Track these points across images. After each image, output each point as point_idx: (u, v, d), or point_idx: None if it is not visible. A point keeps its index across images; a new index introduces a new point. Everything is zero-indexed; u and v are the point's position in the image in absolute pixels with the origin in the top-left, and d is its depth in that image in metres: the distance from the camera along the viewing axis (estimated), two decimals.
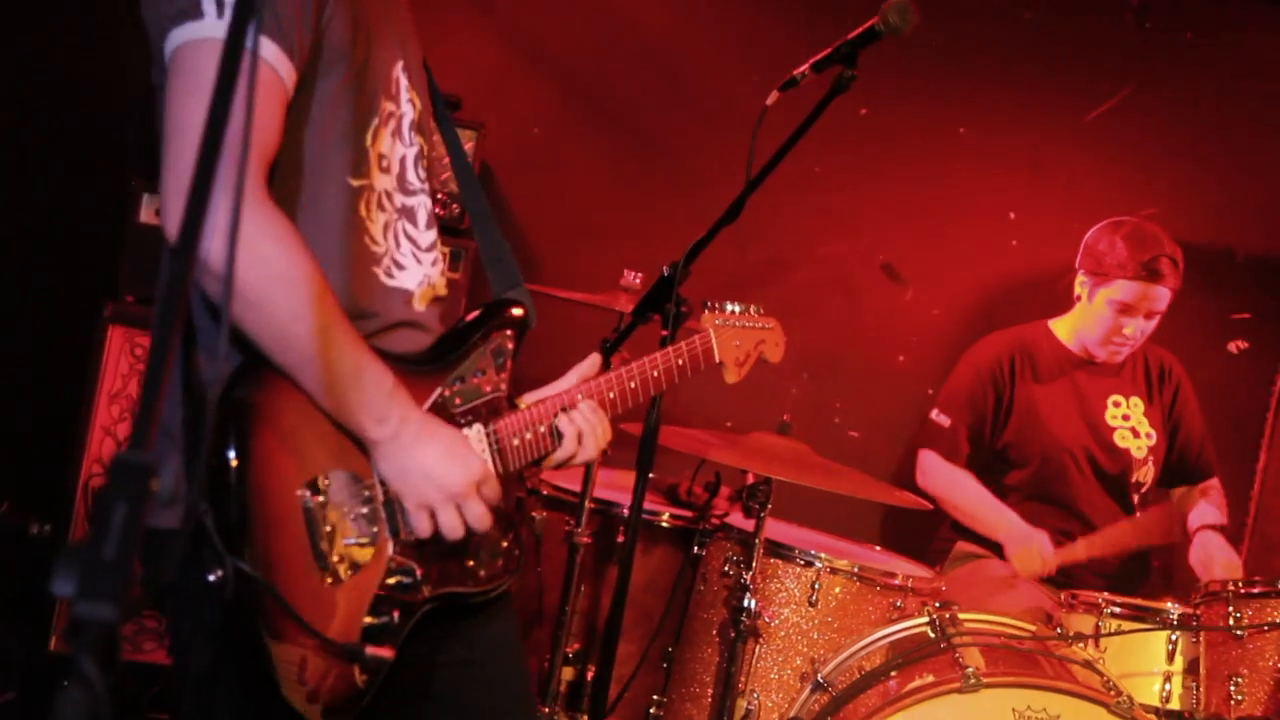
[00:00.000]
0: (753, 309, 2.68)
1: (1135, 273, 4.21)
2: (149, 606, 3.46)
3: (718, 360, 2.58)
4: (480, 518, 1.98)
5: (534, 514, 3.93)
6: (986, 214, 5.33)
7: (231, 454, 1.72)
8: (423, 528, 1.93)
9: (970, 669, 2.94)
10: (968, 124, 5.30)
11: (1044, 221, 5.27)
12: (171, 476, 1.80)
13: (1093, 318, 4.37)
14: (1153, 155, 5.33)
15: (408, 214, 2.08)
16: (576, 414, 2.19)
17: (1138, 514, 4.38)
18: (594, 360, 2.33)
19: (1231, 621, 3.31)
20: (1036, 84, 5.29)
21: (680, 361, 2.45)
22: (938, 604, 3.43)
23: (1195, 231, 5.19)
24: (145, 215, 4.02)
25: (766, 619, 3.44)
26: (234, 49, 1.12)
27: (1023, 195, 5.33)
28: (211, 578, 1.64)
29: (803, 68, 2.82)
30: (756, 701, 3.46)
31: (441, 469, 1.91)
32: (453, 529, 1.95)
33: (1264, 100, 5.27)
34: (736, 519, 3.70)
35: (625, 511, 3.77)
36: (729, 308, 2.63)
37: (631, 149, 5.18)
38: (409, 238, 2.07)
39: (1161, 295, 4.24)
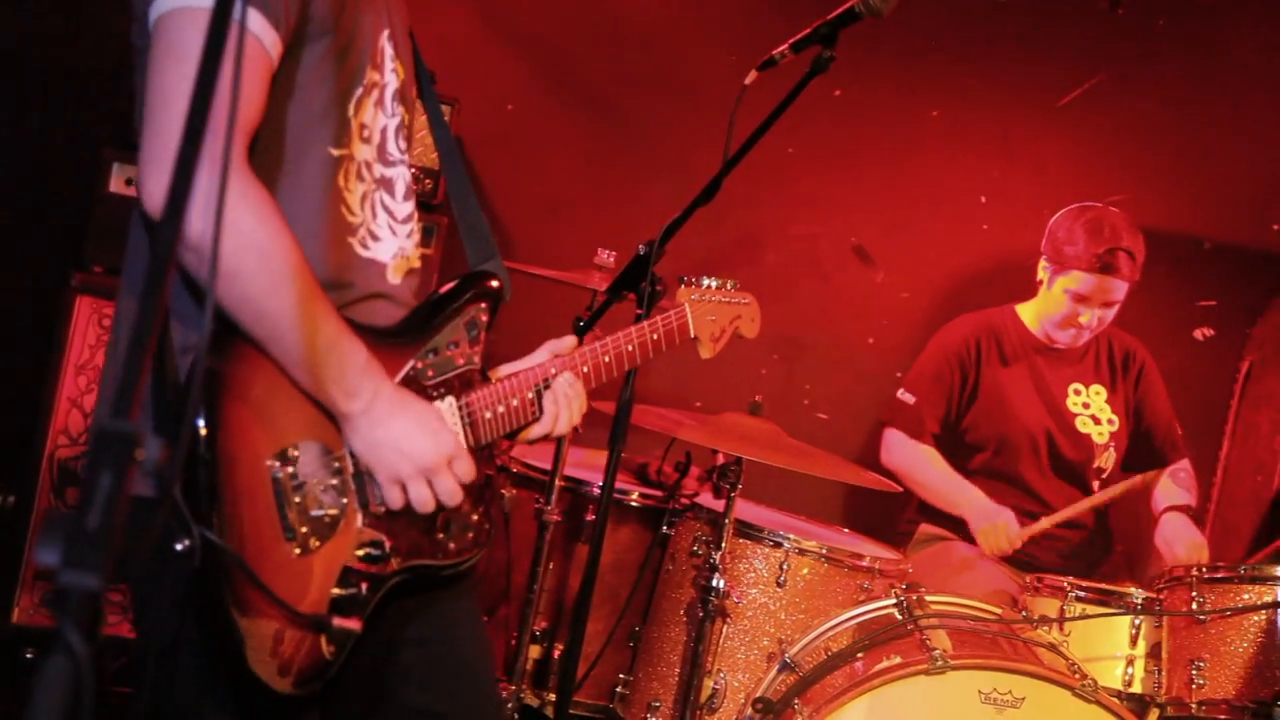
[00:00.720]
0: (729, 284, 2.68)
1: (1090, 264, 4.22)
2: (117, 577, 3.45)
3: (693, 335, 2.57)
4: (451, 492, 1.98)
5: (503, 491, 3.93)
6: (957, 197, 5.35)
7: (200, 422, 1.70)
8: (394, 500, 1.93)
9: (937, 651, 2.96)
10: (940, 107, 5.31)
11: (1014, 206, 5.29)
12: (158, 446, 1.79)
13: (1051, 304, 4.40)
14: (1123, 141, 5.35)
15: (386, 185, 2.07)
16: (555, 387, 2.18)
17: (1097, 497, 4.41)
18: (570, 341, 2.32)
19: (1194, 606, 3.34)
20: (1009, 69, 5.31)
21: (655, 336, 2.44)
22: (904, 586, 3.45)
23: (1163, 218, 5.23)
24: (115, 185, 3.97)
25: (734, 599, 3.45)
26: (220, 20, 1.11)
27: (994, 179, 5.35)
28: (179, 546, 1.62)
29: (781, 48, 2.82)
30: (723, 681, 3.47)
31: (413, 443, 1.90)
32: (423, 502, 1.94)
33: (1234, 88, 5.30)
34: (706, 499, 3.71)
35: (595, 490, 3.79)
36: (705, 283, 2.63)
37: (607, 126, 5.16)
38: (386, 209, 2.06)
39: (1117, 287, 4.26)
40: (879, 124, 5.29)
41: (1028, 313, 4.53)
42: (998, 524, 4.14)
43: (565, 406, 2.19)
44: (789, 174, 5.18)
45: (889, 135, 5.32)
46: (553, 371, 2.20)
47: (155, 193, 1.68)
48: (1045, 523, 4.20)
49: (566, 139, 5.11)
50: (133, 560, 1.62)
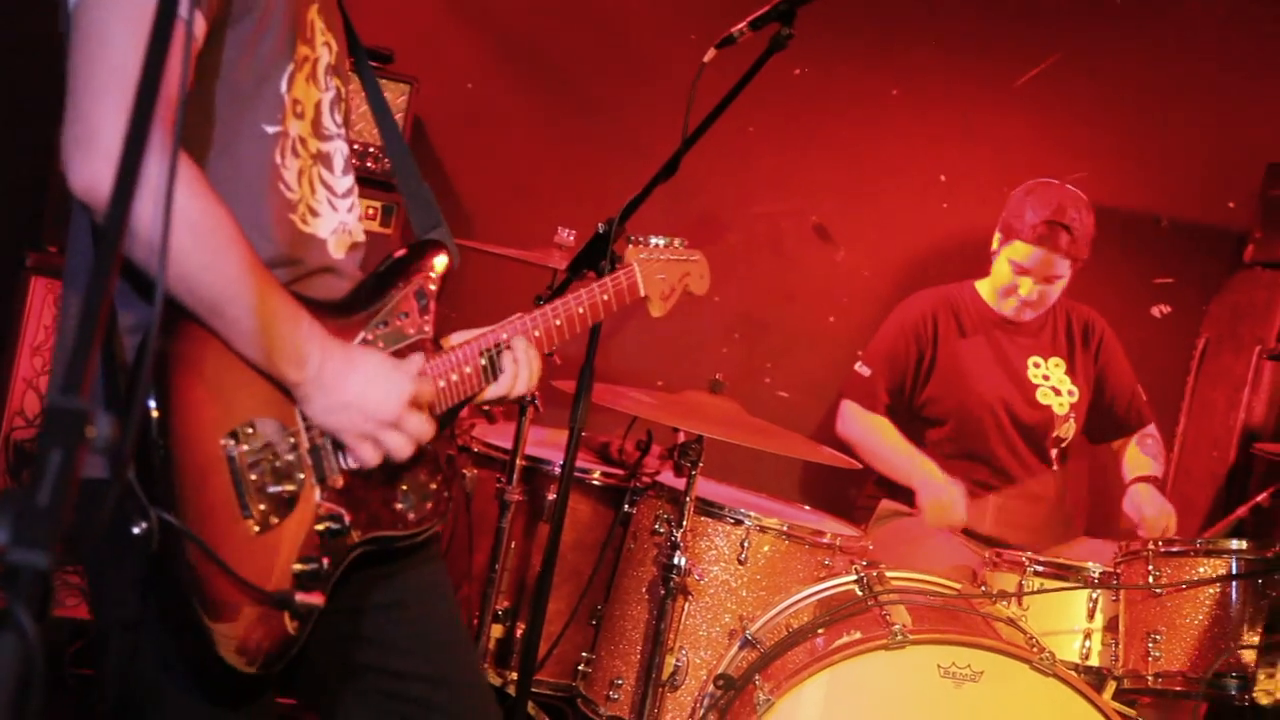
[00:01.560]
0: (677, 242, 2.66)
1: (1030, 236, 4.25)
2: (71, 560, 3.42)
3: (642, 294, 2.56)
4: (425, 431, 1.96)
5: (465, 471, 3.92)
6: (918, 176, 5.37)
7: (152, 404, 1.68)
8: (370, 458, 1.91)
9: (897, 626, 2.98)
10: (900, 86, 5.32)
11: (974, 184, 5.31)
12: (109, 425, 1.77)
13: (997, 274, 4.44)
14: (1081, 120, 5.38)
15: (323, 160, 2.04)
16: (508, 350, 2.17)
17: (1045, 488, 4.43)
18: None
19: (1151, 580, 3.37)
20: (968, 47, 5.32)
21: (605, 297, 2.43)
22: (865, 562, 3.47)
23: (1120, 196, 5.27)
24: None
25: (696, 576, 3.46)
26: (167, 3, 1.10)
27: (954, 158, 5.37)
28: (136, 530, 1.61)
29: (740, 25, 2.81)
30: (685, 658, 3.48)
31: (371, 397, 1.89)
32: (400, 450, 1.92)
33: (1191, 65, 5.33)
34: (667, 477, 3.72)
35: (556, 469, 3.79)
36: (653, 241, 2.61)
37: (566, 105, 5.15)
38: (325, 184, 2.04)
39: (1057, 262, 4.28)
40: (839, 103, 5.30)
41: (985, 288, 4.56)
42: (943, 499, 4.15)
43: (523, 367, 2.18)
44: (750, 153, 5.19)
45: (849, 114, 5.33)
46: (504, 336, 2.19)
47: (82, 174, 1.64)
48: (988, 527, 4.23)
49: (527, 118, 5.10)
50: (86, 541, 1.63)
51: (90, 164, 1.63)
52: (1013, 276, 4.36)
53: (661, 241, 2.63)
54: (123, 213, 1.08)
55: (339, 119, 2.08)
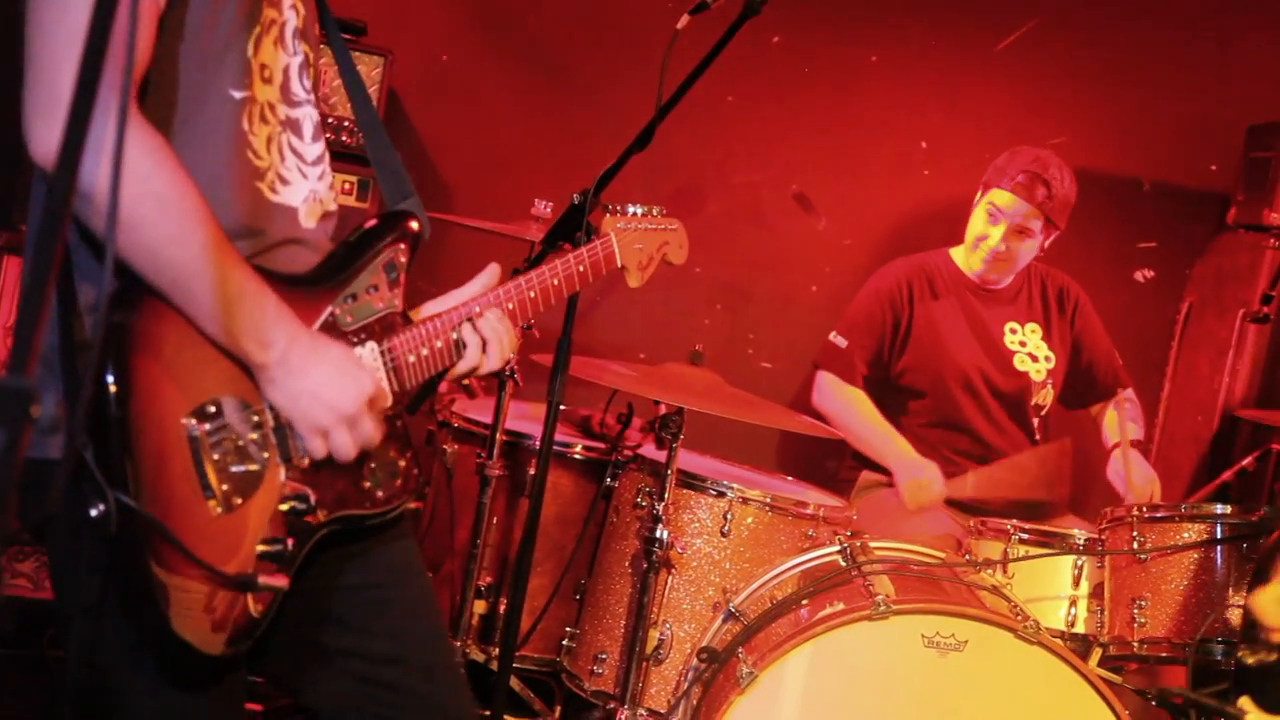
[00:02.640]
0: (655, 210, 2.62)
1: (1009, 185, 4.24)
2: (28, 540, 3.37)
3: (619, 264, 2.52)
4: (373, 437, 1.92)
5: (445, 446, 3.89)
6: (898, 143, 5.33)
7: (110, 381, 1.63)
8: (317, 450, 1.88)
9: (880, 596, 2.96)
10: (879, 52, 5.29)
11: (955, 150, 5.28)
12: (53, 403, 1.73)
13: (972, 225, 4.42)
14: (1061, 84, 5.35)
15: (292, 126, 1.98)
16: (481, 322, 2.13)
17: (1027, 458, 4.40)
18: (493, 269, 2.26)
19: (1136, 545, 3.36)
20: (948, 13, 5.28)
21: (581, 267, 2.38)
22: (848, 533, 3.45)
23: (1102, 160, 5.25)
24: None
25: (679, 549, 3.44)
26: None
27: (934, 124, 5.34)
28: (94, 512, 1.57)
29: None
30: (669, 632, 3.47)
31: (332, 390, 1.84)
32: (345, 450, 1.88)
33: (1171, 28, 5.31)
34: (649, 450, 3.70)
35: (537, 444, 3.75)
36: (630, 210, 2.57)
37: (542, 76, 5.10)
38: (294, 151, 1.98)
39: (1029, 213, 4.25)
40: (818, 70, 5.26)
41: (960, 254, 4.53)
42: (921, 479, 4.14)
43: (495, 341, 2.14)
44: (729, 122, 5.15)
45: (828, 81, 5.29)
46: (477, 310, 2.15)
47: (43, 141, 1.61)
48: (969, 491, 4.20)
49: (502, 89, 5.05)
50: (32, 522, 1.59)
51: (50, 130, 1.59)
52: (985, 224, 4.34)
53: (639, 210, 2.58)
54: (69, 181, 1.04)
55: (308, 84, 2.03)
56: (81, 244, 1.73)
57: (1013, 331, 4.49)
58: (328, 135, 2.11)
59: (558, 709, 4.13)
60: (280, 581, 1.82)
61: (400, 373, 2.03)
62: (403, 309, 2.06)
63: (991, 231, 4.33)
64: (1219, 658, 3.23)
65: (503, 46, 5.04)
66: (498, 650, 3.70)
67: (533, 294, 2.26)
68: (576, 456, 3.85)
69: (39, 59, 1.63)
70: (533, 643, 3.80)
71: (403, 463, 2.04)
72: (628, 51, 4.94)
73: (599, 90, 5.05)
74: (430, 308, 2.15)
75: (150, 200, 1.64)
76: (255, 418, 1.82)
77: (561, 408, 2.95)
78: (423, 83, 4.86)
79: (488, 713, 3.11)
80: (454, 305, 2.15)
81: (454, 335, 2.10)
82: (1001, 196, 4.27)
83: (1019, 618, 3.02)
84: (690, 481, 3.55)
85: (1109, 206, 5.18)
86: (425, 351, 2.07)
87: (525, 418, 4.05)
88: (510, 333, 2.17)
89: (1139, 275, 5.43)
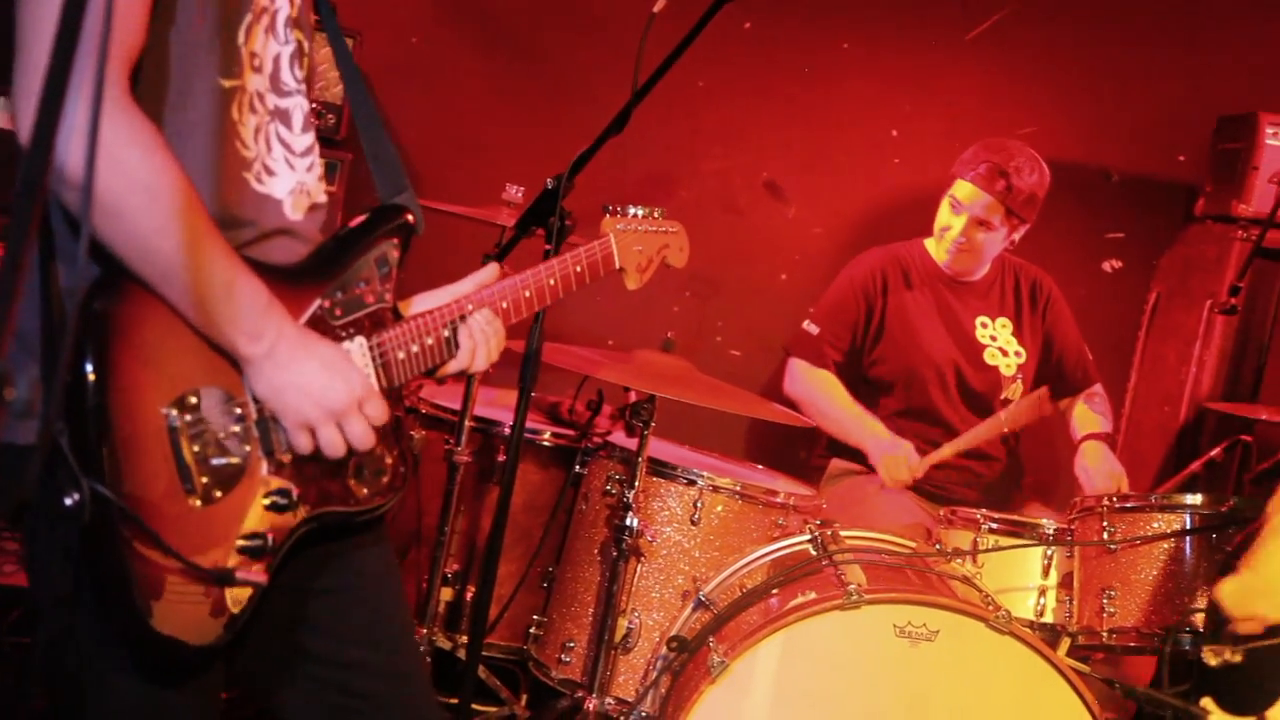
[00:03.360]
0: (656, 212, 2.58)
1: (970, 176, 4.25)
2: (6, 526, 3.32)
3: (618, 266, 2.48)
4: (363, 435, 1.87)
5: (412, 433, 3.86)
6: (869, 131, 5.33)
7: (89, 368, 1.59)
8: (303, 446, 1.83)
9: (852, 586, 2.94)
10: (851, 40, 5.27)
11: (926, 139, 5.28)
12: (28, 387, 1.69)
13: (938, 215, 4.41)
14: (1031, 74, 5.36)
15: (281, 116, 1.93)
16: (471, 323, 2.10)
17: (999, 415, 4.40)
18: (492, 269, 2.23)
19: (1105, 536, 3.36)
20: (918, 2, 5.28)
21: (579, 268, 2.34)
22: (819, 522, 3.43)
23: (1071, 150, 5.25)
24: (3, 120, 3.81)
25: (649, 538, 3.42)
26: None
27: (905, 113, 5.33)
28: (68, 501, 1.52)
29: None
30: (638, 620, 3.45)
31: (320, 385, 1.80)
32: (334, 447, 1.84)
33: (1141, 19, 5.32)
34: (619, 437, 3.67)
35: (506, 430, 3.74)
36: (631, 211, 2.53)
37: (514, 59, 5.06)
38: (282, 142, 1.93)
39: (989, 205, 4.25)
40: (790, 57, 5.25)
41: (934, 245, 4.52)
42: (898, 456, 4.14)
43: (482, 343, 2.10)
44: (699, 108, 5.13)
45: (800, 68, 5.27)
46: (469, 308, 2.11)
47: (28, 123, 1.53)
48: (947, 450, 4.19)
49: (473, 72, 5.01)
50: (6, 508, 1.55)
51: (24, 104, 1.58)
52: (949, 216, 4.34)
53: (640, 211, 2.55)
54: (43, 161, 1.01)
55: (299, 74, 1.97)
56: (65, 227, 1.68)
57: (984, 325, 4.49)
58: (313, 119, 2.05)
59: (524, 697, 4.11)
60: (259, 577, 1.78)
61: (389, 369, 1.99)
62: (393, 304, 2.02)
63: (954, 222, 4.33)
64: (1187, 648, 3.23)
65: (473, 29, 5.00)
66: (465, 638, 3.68)
67: (527, 293, 2.22)
68: (545, 444, 3.83)
69: (25, 40, 1.59)
70: (499, 631, 3.77)
71: (389, 460, 1.99)
72: (599, 33, 4.91)
73: (571, 73, 5.02)
74: (421, 302, 2.11)
75: (140, 190, 1.60)
76: (238, 410, 1.77)
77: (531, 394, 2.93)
78: (392, 65, 4.81)
79: (455, 701, 3.08)
80: (446, 301, 2.11)
81: (444, 333, 2.06)
82: (963, 188, 4.28)
83: (991, 607, 3.01)
84: (660, 469, 3.52)
85: (1077, 197, 5.18)
86: (415, 348, 2.02)
87: (493, 404, 4.01)
88: (499, 334, 2.14)
89: (1106, 266, 5.44)
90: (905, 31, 5.28)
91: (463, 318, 2.09)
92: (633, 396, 3.39)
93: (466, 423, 3.61)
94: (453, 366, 2.10)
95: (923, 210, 4.61)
